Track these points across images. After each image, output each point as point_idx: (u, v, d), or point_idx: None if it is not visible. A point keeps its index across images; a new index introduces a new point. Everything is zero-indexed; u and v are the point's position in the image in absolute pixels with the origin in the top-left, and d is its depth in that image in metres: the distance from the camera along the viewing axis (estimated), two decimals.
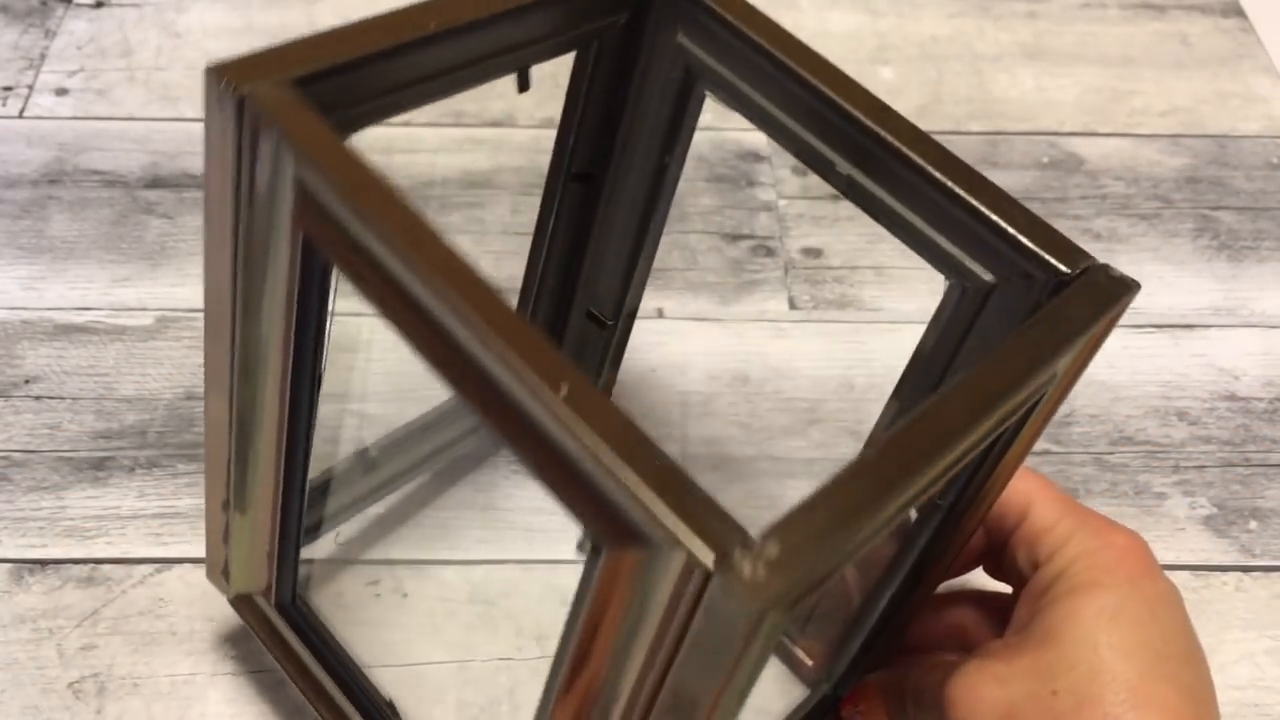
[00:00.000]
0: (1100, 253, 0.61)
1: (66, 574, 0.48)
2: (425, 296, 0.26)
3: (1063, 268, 0.31)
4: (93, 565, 0.48)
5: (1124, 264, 0.61)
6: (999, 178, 0.64)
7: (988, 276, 0.32)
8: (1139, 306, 0.59)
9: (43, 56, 0.69)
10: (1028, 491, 0.37)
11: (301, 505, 0.38)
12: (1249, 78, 0.71)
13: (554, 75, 0.69)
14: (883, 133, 0.33)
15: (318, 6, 0.72)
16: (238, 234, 0.31)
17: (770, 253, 0.60)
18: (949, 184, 0.32)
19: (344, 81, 0.31)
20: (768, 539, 0.23)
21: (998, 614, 0.39)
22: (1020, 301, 0.32)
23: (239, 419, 0.36)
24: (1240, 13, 0.74)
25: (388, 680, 0.45)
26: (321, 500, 0.46)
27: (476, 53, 0.34)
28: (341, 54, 0.30)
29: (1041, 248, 0.31)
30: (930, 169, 0.32)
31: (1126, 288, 0.30)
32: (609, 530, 0.24)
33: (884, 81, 0.69)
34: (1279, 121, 0.68)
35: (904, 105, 0.68)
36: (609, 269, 0.45)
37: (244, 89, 0.28)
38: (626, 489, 0.23)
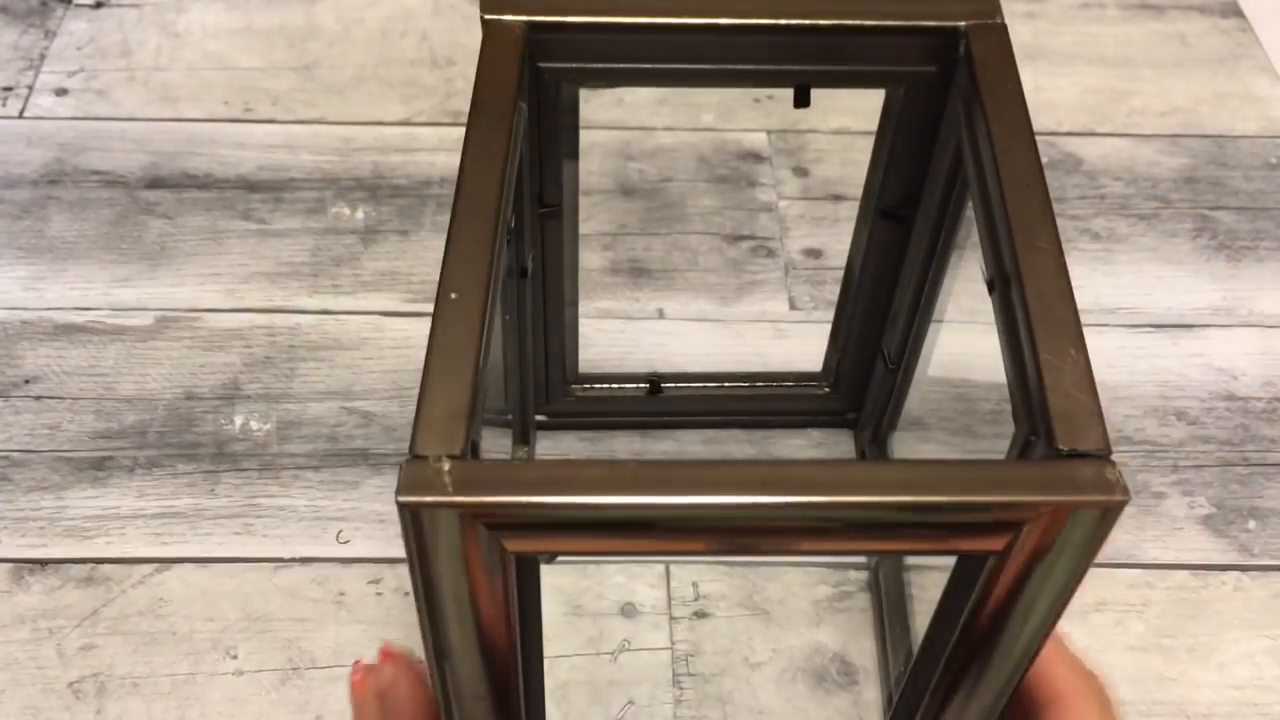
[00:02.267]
0: (1099, 252, 0.61)
1: (66, 574, 0.48)
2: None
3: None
4: (92, 565, 0.48)
5: (1123, 264, 0.61)
6: None
7: None
8: (1138, 306, 0.59)
9: (42, 57, 0.69)
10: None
11: None
12: (1247, 78, 0.71)
13: None
14: None
15: (318, 7, 0.72)
16: None
17: (770, 253, 0.60)
18: None
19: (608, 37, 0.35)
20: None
21: None
22: None
23: None
24: (1239, 13, 0.74)
25: None
26: None
27: (782, 54, 0.37)
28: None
29: None
30: None
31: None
32: None
33: None
34: (1277, 121, 0.68)
35: None
36: (904, 310, 0.46)
37: None
38: None
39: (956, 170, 0.39)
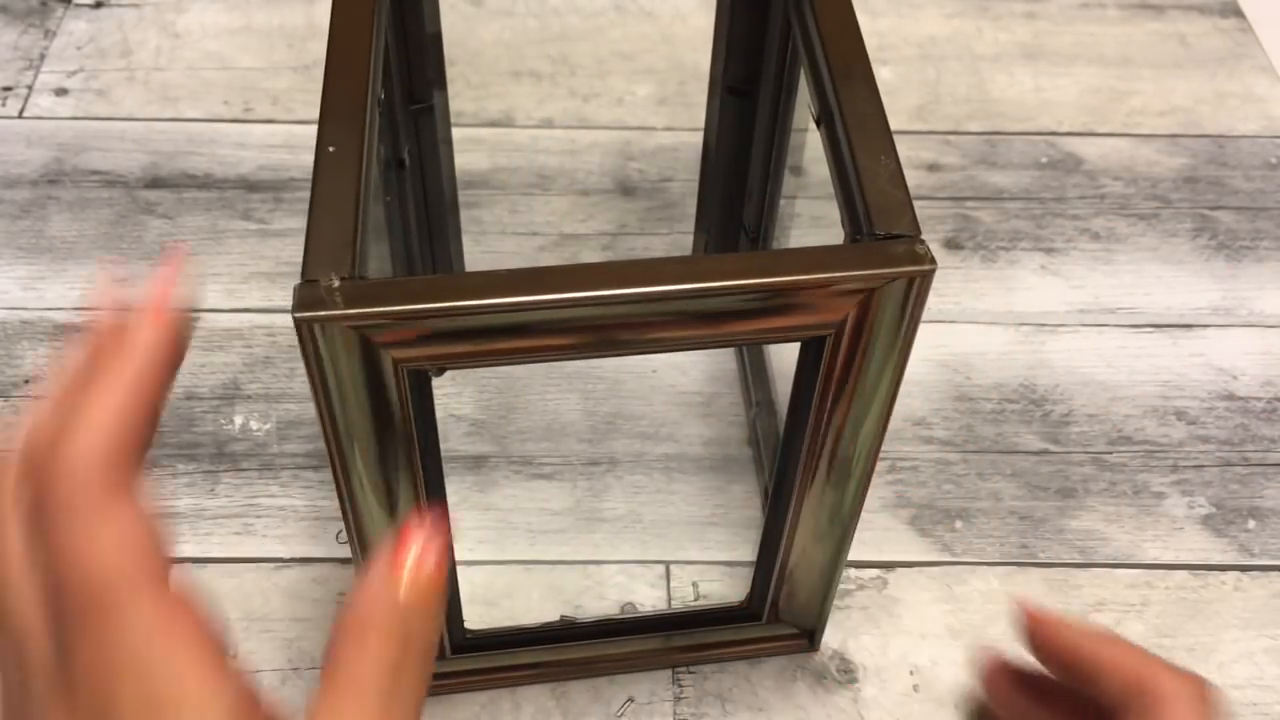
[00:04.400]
0: (1099, 252, 0.61)
1: None
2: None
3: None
4: None
5: (1123, 264, 0.61)
6: (998, 178, 0.64)
7: None
8: (1138, 306, 0.59)
9: (42, 56, 0.69)
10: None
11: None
12: (1247, 77, 0.71)
13: (552, 76, 0.69)
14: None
15: (317, 7, 0.72)
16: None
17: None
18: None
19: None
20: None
21: None
22: None
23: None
24: (1238, 13, 0.74)
25: None
26: None
27: None
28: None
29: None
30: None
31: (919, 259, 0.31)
32: None
33: (883, 82, 0.68)
34: (1277, 121, 0.68)
35: (902, 105, 0.68)
36: (757, 183, 0.49)
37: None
38: None
39: (788, 41, 0.42)
